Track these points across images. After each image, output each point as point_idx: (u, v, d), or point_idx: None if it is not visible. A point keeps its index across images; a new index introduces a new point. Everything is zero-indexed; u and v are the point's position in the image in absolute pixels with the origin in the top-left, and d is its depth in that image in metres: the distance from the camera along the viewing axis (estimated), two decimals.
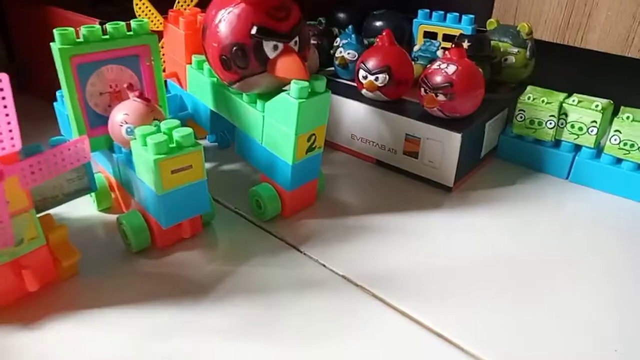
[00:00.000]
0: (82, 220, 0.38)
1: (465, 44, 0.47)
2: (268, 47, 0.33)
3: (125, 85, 0.33)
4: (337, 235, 0.38)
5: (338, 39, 0.53)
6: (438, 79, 0.41)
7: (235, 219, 0.39)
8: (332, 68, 0.53)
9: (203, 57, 0.41)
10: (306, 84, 0.34)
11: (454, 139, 0.41)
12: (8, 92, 0.23)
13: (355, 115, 0.47)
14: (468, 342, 0.29)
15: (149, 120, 0.33)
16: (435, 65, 0.42)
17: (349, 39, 0.52)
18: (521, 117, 0.46)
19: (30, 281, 0.29)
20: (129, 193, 0.36)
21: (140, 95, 0.33)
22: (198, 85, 0.41)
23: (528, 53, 0.50)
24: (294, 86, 0.33)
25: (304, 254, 0.36)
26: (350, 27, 0.53)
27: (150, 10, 0.42)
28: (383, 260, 0.35)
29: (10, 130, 0.24)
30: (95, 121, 0.35)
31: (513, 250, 0.37)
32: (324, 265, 0.35)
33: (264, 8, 0.33)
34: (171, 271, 0.34)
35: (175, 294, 0.32)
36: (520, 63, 0.50)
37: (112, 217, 0.39)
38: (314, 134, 0.36)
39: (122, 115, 0.33)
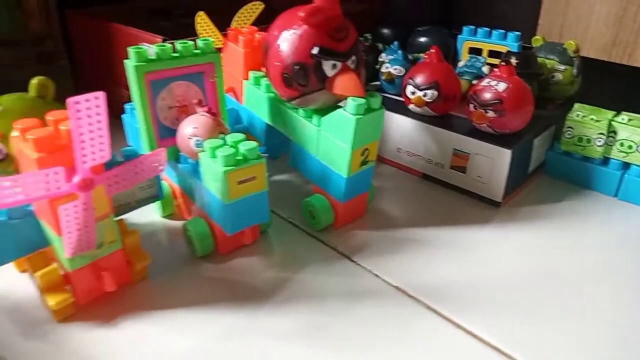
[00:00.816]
0: (146, 225, 0.40)
1: (513, 61, 0.48)
2: (327, 66, 0.35)
3: (195, 101, 0.35)
4: (388, 247, 0.39)
5: (383, 55, 0.55)
6: (488, 95, 0.42)
7: (289, 228, 0.41)
8: (378, 82, 0.54)
9: (260, 74, 0.43)
10: (363, 100, 0.35)
11: (504, 155, 0.42)
12: (103, 109, 0.25)
13: (401, 129, 0.49)
14: (525, 356, 0.30)
15: (215, 133, 0.35)
16: (484, 82, 0.43)
17: (395, 55, 0.53)
18: (569, 134, 0.47)
19: (109, 282, 0.31)
20: (192, 201, 0.39)
21: (209, 111, 0.35)
22: (255, 99, 0.43)
23: (575, 70, 0.50)
24: (351, 103, 0.35)
25: (357, 263, 0.37)
26: (396, 43, 0.54)
27: (210, 29, 0.44)
28: (434, 273, 0.36)
29: (102, 143, 0.26)
30: (164, 133, 0.38)
31: (561, 267, 0.37)
32: (377, 276, 0.36)
33: (325, 30, 0.35)
34: (232, 276, 0.36)
35: (237, 298, 0.33)
36: (567, 80, 0.51)
37: (175, 223, 0.41)
38: (367, 149, 0.38)
39: (191, 129, 0.35)
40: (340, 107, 0.37)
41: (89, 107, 0.25)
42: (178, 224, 0.41)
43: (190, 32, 0.49)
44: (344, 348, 0.30)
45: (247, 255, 0.38)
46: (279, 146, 0.50)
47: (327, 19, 0.35)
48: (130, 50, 0.35)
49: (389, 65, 0.53)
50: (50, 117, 0.28)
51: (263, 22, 0.46)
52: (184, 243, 0.38)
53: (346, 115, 0.35)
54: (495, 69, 0.44)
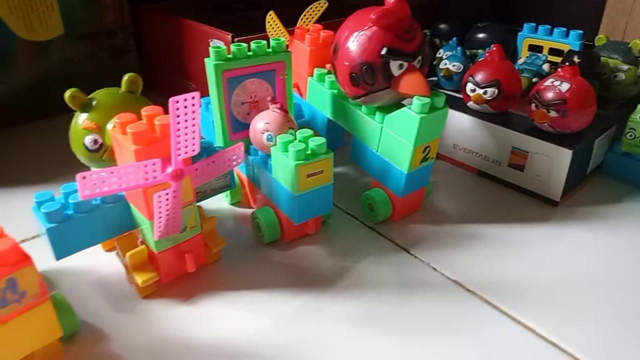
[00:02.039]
0: (216, 212, 0.43)
1: (576, 60, 0.47)
2: (394, 65, 0.36)
3: (268, 98, 0.38)
4: (444, 241, 0.40)
5: (441, 51, 0.55)
6: (551, 95, 0.42)
7: (348, 220, 0.43)
8: (435, 78, 0.55)
9: (324, 71, 0.45)
10: (428, 100, 0.36)
11: (565, 155, 0.42)
12: (197, 107, 0.28)
13: (459, 125, 0.49)
14: (584, 354, 0.31)
15: (286, 129, 0.37)
16: (548, 82, 0.43)
17: (453, 51, 0.54)
18: (631, 135, 0.46)
19: (190, 263, 0.34)
20: (259, 190, 0.41)
21: (281, 108, 0.37)
22: (318, 95, 0.45)
23: (639, 70, 0.50)
24: (417, 102, 0.36)
25: (415, 256, 0.39)
26: (454, 39, 0.55)
27: (279, 27, 0.46)
28: (492, 268, 0.37)
29: (194, 138, 0.29)
30: (237, 127, 0.40)
31: (618, 267, 0.38)
32: (435, 269, 0.37)
33: (394, 31, 0.36)
34: (297, 262, 0.38)
35: (302, 282, 0.36)
36: (630, 80, 0.50)
37: (241, 210, 0.44)
38: (429, 146, 0.39)
39: (263, 124, 0.37)
40: (402, 105, 0.39)
41: (186, 105, 0.27)
42: (244, 211, 0.44)
43: (251, 26, 0.51)
44: (406, 337, 0.32)
45: (310, 244, 0.40)
46: (337, 140, 0.52)
47: (397, 21, 0.36)
48: (211, 50, 0.37)
49: (447, 61, 0.53)
50: (144, 112, 0.30)
51: (327, 18, 0.47)
52: (251, 230, 0.41)
53: (411, 114, 0.37)
54: (559, 69, 0.44)
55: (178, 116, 0.27)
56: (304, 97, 0.47)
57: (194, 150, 0.29)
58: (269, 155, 0.39)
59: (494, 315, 0.33)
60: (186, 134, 0.28)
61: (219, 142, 0.40)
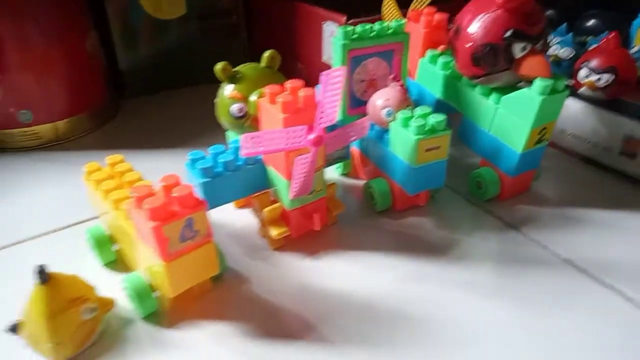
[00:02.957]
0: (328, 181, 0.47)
1: None
2: (517, 48, 0.38)
3: (391, 76, 0.40)
4: (553, 222, 0.41)
5: (551, 36, 0.55)
6: None
7: (453, 196, 0.45)
8: None
9: (437, 52, 0.47)
10: (550, 81, 0.37)
11: None
12: (342, 80, 0.31)
13: (568, 111, 0.49)
14: None
15: (404, 106, 0.40)
16: None
17: (563, 37, 0.53)
18: None
19: (317, 222, 0.38)
20: (371, 163, 0.44)
21: (402, 85, 0.39)
22: (429, 76, 0.47)
23: None
24: (539, 83, 0.37)
25: (524, 234, 0.40)
26: (564, 25, 0.54)
27: (395, 10, 0.48)
28: (603, 250, 0.38)
29: (335, 107, 0.32)
30: (354, 103, 0.43)
31: None
32: (546, 247, 0.39)
33: (519, 14, 0.37)
34: (408, 231, 0.41)
35: (415, 250, 0.38)
36: None
37: (350, 181, 0.47)
38: (545, 128, 0.40)
39: (383, 101, 0.40)
40: (518, 87, 0.40)
41: (334, 78, 0.30)
42: (353, 182, 0.47)
43: (364, 5, 0.54)
44: (519, 307, 0.33)
45: (419, 215, 0.42)
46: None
47: (522, 4, 0.37)
48: (339, 30, 0.40)
49: (557, 47, 0.53)
50: (289, 84, 0.34)
51: (441, 3, 0.49)
52: (360, 199, 0.44)
53: (532, 95, 0.38)
54: None
55: (326, 86, 0.30)
56: (413, 78, 0.49)
57: (332, 120, 0.33)
58: (385, 130, 0.41)
59: (608, 296, 0.34)
60: (329, 103, 0.32)
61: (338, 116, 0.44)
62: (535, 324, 0.32)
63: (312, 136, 0.33)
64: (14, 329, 0.28)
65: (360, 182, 0.47)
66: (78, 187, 0.46)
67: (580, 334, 0.31)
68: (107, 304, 0.31)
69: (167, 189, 0.28)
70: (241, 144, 0.30)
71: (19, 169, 0.51)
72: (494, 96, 0.41)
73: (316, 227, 0.38)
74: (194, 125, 0.58)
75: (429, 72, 0.47)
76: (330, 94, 0.31)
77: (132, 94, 0.65)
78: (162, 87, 0.67)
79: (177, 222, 0.27)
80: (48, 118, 0.54)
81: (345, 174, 0.48)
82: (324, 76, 0.30)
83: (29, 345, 0.28)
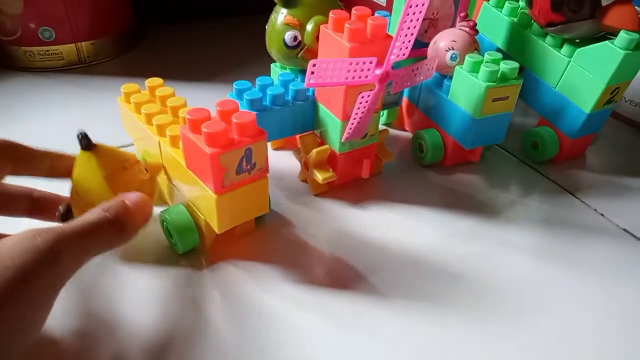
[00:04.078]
0: None
1: None
2: None
3: (462, 14, 0.36)
4: (610, 190, 0.39)
5: None
6: None
7: (505, 156, 0.42)
8: None
9: None
10: (637, 35, 0.34)
11: None
12: (424, 12, 0.27)
13: None
14: None
15: (471, 49, 0.36)
16: None
17: None
18: None
19: (366, 169, 0.35)
20: (422, 112, 0.41)
21: (472, 27, 0.36)
22: (491, 22, 0.43)
23: None
24: (625, 36, 0.34)
25: (581, 200, 0.38)
26: None
27: None
28: None
29: (410, 42, 0.29)
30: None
31: None
32: (603, 215, 0.36)
33: None
34: (458, 188, 0.38)
35: (466, 207, 0.36)
36: None
37: (392, 130, 0.44)
38: (618, 87, 0.37)
39: (448, 42, 0.36)
40: (595, 40, 0.36)
41: (416, 7, 0.27)
42: (396, 132, 0.44)
43: None
44: (576, 273, 0.31)
45: (469, 173, 0.40)
46: None
47: None
48: None
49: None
50: (355, 12, 0.31)
51: None
52: (403, 150, 0.41)
53: (614, 49, 0.34)
54: None
55: (407, 15, 0.27)
56: None
57: (404, 55, 0.29)
58: (444, 77, 0.38)
59: None
60: (406, 35, 0.28)
61: None
62: (592, 290, 0.30)
63: (379, 71, 0.29)
64: (66, 214, 0.26)
65: (405, 134, 0.44)
66: (102, 111, 0.43)
67: None
68: (156, 167, 0.29)
69: (226, 114, 0.25)
70: (308, 71, 0.27)
71: (41, 88, 0.48)
72: (566, 48, 0.38)
73: (364, 174, 0.35)
74: (231, 57, 0.55)
75: (492, 18, 0.43)
76: (409, 23, 0.27)
77: (160, 20, 0.61)
78: (194, 15, 0.62)
79: (236, 150, 0.25)
80: (70, 38, 0.50)
81: (388, 124, 0.45)
82: (408, 3, 0.26)
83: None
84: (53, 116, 0.44)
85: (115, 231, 0.22)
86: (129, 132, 0.34)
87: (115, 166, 0.25)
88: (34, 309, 0.20)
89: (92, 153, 0.25)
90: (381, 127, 0.43)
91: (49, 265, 0.19)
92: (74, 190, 0.26)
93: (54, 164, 0.26)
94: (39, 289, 0.19)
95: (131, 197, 0.23)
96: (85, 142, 0.24)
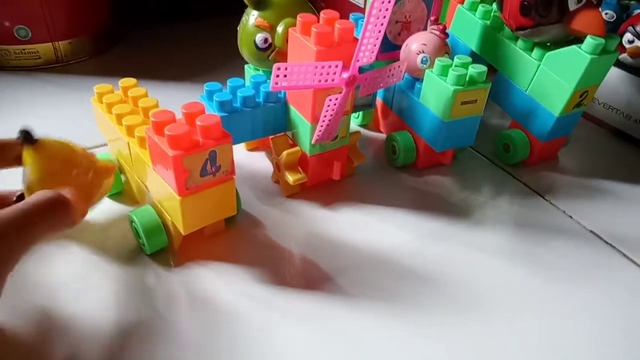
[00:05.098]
0: None
1: None
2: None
3: (432, 18, 0.37)
4: (579, 192, 0.39)
5: None
6: None
7: (477, 158, 0.43)
8: None
9: None
10: (602, 40, 0.34)
11: None
12: (389, 13, 0.28)
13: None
14: None
15: (442, 53, 0.36)
16: None
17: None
18: None
19: (337, 171, 0.35)
20: (394, 114, 0.41)
21: (442, 30, 0.36)
22: (465, 25, 0.44)
23: None
24: (591, 41, 0.34)
25: (550, 202, 0.38)
26: None
27: None
28: (631, 225, 0.36)
29: (375, 46, 0.29)
30: (385, 46, 0.40)
31: None
32: (571, 217, 0.37)
33: None
34: (430, 189, 0.38)
35: (437, 209, 0.36)
36: None
37: (367, 132, 0.44)
38: (587, 91, 0.37)
39: (419, 45, 0.37)
40: (566, 44, 0.37)
41: (382, 7, 0.27)
42: (372, 134, 0.44)
43: None
44: (545, 275, 0.32)
45: (441, 174, 0.40)
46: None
47: None
48: None
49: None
50: (323, 15, 0.31)
51: None
52: (377, 152, 0.41)
53: (580, 53, 0.35)
54: None
55: (371, 18, 0.27)
56: (447, 27, 0.46)
57: (370, 58, 0.30)
58: (415, 79, 0.38)
59: (633, 270, 0.33)
60: (371, 39, 0.28)
61: None
62: (557, 292, 0.31)
63: (346, 74, 0.30)
64: (20, 198, 0.27)
65: (379, 135, 0.44)
66: (78, 111, 0.43)
67: (606, 306, 0.30)
68: (105, 170, 0.28)
69: (191, 117, 0.25)
70: (272, 75, 0.27)
71: (17, 87, 0.47)
72: (536, 52, 0.38)
73: (335, 176, 0.36)
74: (206, 58, 0.55)
75: (465, 21, 0.44)
76: (374, 26, 0.28)
77: (139, 21, 0.61)
78: (171, 17, 0.62)
79: (199, 153, 0.25)
80: (47, 37, 0.50)
81: (363, 125, 0.45)
82: (373, 3, 0.27)
83: None
84: (28, 115, 0.43)
85: (57, 209, 0.23)
86: (102, 132, 0.34)
87: (52, 166, 0.25)
88: None
89: (33, 149, 0.25)
90: (355, 128, 0.43)
91: None
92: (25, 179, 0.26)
93: (18, 152, 0.26)
94: None
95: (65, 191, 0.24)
96: (27, 139, 0.24)
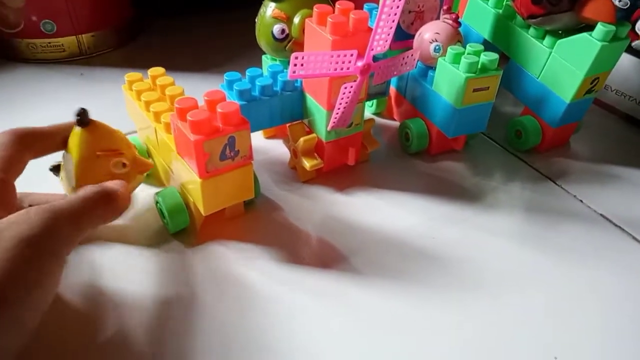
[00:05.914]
0: None
1: None
2: None
3: (445, 7, 0.38)
4: (591, 177, 0.40)
5: None
6: None
7: (490, 144, 0.44)
8: None
9: None
10: (613, 27, 0.35)
11: None
12: (402, 5, 0.29)
13: (616, 65, 0.47)
14: None
15: (454, 41, 0.37)
16: None
17: None
18: None
19: (351, 157, 0.36)
20: (407, 102, 0.42)
21: (454, 19, 0.37)
22: (477, 14, 0.44)
23: None
24: (601, 28, 0.35)
25: (561, 187, 0.39)
26: None
27: None
28: (639, 208, 0.37)
29: (389, 35, 0.30)
30: (398, 35, 0.41)
31: None
32: (582, 201, 0.38)
33: None
34: (442, 175, 0.40)
35: (450, 194, 0.37)
36: None
37: (382, 120, 0.45)
38: (598, 78, 0.38)
39: (432, 34, 0.38)
40: (577, 31, 0.37)
41: (393, 2, 0.28)
42: (385, 121, 0.45)
43: None
44: (555, 257, 0.33)
45: (453, 160, 0.41)
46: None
47: None
48: None
49: None
50: (339, 5, 0.32)
51: None
52: (390, 140, 0.42)
53: (591, 40, 0.35)
54: None
55: (385, 9, 0.28)
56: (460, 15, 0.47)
57: (384, 47, 0.31)
58: (429, 68, 0.39)
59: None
60: (385, 29, 0.30)
61: None
62: (567, 274, 0.32)
63: (360, 63, 0.31)
64: (55, 168, 0.29)
65: (393, 123, 0.45)
66: (101, 102, 0.45)
67: (614, 287, 0.31)
68: (142, 165, 0.30)
69: (212, 104, 0.27)
70: (290, 64, 0.29)
71: (43, 79, 0.49)
72: (548, 40, 0.39)
73: (350, 161, 0.37)
74: (226, 49, 0.56)
75: (478, 10, 0.44)
76: (387, 16, 0.29)
77: (159, 14, 0.62)
78: (190, 9, 0.64)
79: (219, 138, 0.26)
80: (71, 30, 0.52)
81: (378, 113, 0.46)
82: None
83: (62, 185, 0.29)
84: (54, 106, 0.45)
85: (105, 203, 0.25)
86: (132, 118, 0.36)
87: (93, 151, 0.27)
88: (43, 277, 0.21)
89: (82, 131, 0.27)
90: (368, 116, 0.45)
91: (47, 233, 0.21)
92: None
93: (66, 135, 0.28)
94: (40, 256, 0.21)
95: (109, 184, 0.26)
96: (81, 120, 0.26)
